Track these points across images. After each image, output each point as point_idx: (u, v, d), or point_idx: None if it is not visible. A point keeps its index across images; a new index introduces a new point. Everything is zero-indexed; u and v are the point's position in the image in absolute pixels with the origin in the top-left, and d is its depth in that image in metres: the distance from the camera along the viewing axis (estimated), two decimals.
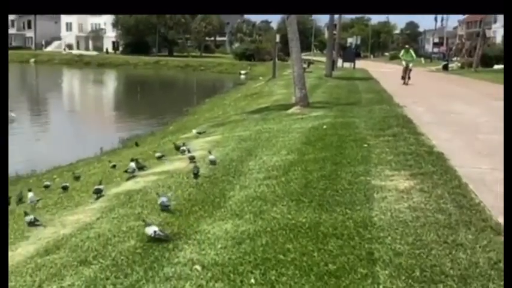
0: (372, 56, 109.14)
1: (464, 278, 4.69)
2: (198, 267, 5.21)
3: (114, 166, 12.05)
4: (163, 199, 7.33)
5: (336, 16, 43.31)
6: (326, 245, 5.52)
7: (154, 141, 18.12)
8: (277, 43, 45.70)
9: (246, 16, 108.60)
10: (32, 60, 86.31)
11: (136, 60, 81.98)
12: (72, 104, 43.96)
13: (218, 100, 34.93)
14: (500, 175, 7.37)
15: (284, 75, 41.43)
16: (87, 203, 8.47)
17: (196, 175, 9.15)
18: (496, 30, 69.90)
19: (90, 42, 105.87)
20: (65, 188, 10.21)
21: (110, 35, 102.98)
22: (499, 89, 20.73)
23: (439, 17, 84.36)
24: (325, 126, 13.70)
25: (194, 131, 15.22)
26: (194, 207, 7.31)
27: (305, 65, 30.41)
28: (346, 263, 5.08)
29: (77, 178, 11.57)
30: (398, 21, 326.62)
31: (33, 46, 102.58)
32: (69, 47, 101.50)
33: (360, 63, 54.06)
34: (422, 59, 74.62)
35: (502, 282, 4.51)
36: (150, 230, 6.13)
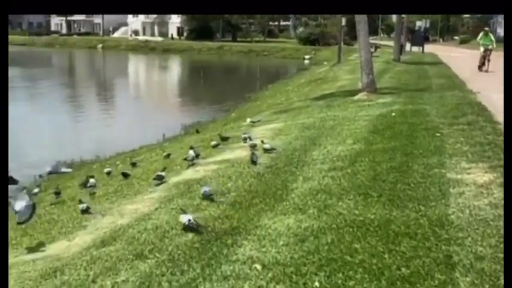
0: (441, 40, 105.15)
1: None
2: (258, 266, 4.86)
3: (168, 155, 11.93)
4: (206, 189, 7.15)
5: None
6: (398, 245, 5.04)
7: (215, 128, 17.92)
8: (343, 27, 44.57)
9: None
10: (100, 46, 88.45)
11: (200, 46, 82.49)
12: (137, 90, 44.67)
13: (281, 86, 34.44)
14: None
15: (350, 60, 40.42)
16: (146, 191, 8.29)
17: (254, 163, 8.83)
18: None
19: (156, 28, 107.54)
20: (125, 175, 10.13)
21: (175, 21, 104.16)
22: None
23: None
24: (394, 114, 13.02)
25: (248, 120, 14.85)
26: (255, 200, 6.96)
27: (372, 49, 29.35)
28: (421, 267, 4.59)
29: (134, 164, 11.50)
30: None
31: (101, 32, 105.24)
32: (136, 33, 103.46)
33: (428, 48, 52.01)
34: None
35: None
36: (185, 219, 5.93)
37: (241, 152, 10.19)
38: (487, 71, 27.01)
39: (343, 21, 43.77)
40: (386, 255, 4.82)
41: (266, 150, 9.58)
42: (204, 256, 5.20)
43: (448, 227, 5.40)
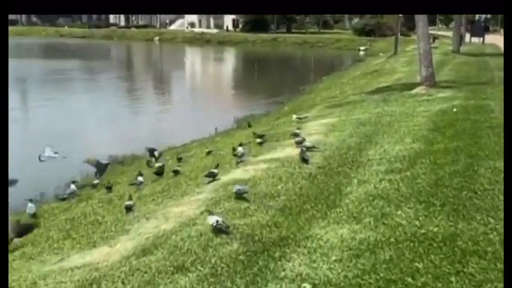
0: (501, 30, 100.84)
1: None
2: (307, 286, 4.42)
3: (209, 152, 11.66)
4: (239, 187, 6.96)
5: None
6: (465, 266, 4.49)
7: (267, 122, 17.52)
8: (400, 17, 43.17)
9: None
10: (157, 38, 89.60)
11: (254, 38, 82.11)
12: (193, 82, 44.80)
13: (336, 78, 33.66)
14: None
15: (407, 52, 39.10)
16: (193, 192, 7.98)
17: (305, 161, 8.40)
18: None
19: (212, 21, 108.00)
20: (176, 172, 9.91)
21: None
22: None
23: None
24: (455, 110, 12.24)
25: (294, 116, 14.31)
26: (306, 205, 6.51)
27: (430, 40, 28.12)
28: None
29: (180, 160, 11.23)
30: None
31: (158, 25, 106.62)
32: (192, 25, 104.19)
33: (489, 38, 49.80)
34: None
35: None
36: (212, 219, 5.72)
37: (292, 150, 9.73)
38: None
39: None
40: (452, 278, 4.29)
41: (307, 149, 9.08)
42: (249, 271, 4.80)
43: None
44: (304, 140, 9.72)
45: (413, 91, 16.71)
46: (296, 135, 10.90)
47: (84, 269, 5.51)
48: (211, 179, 8.40)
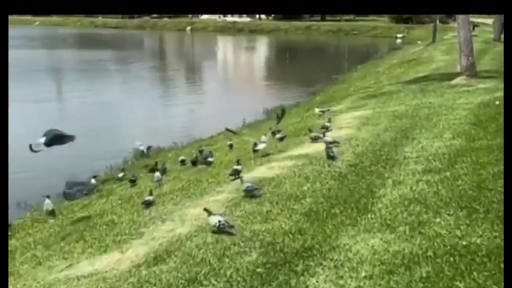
0: None
1: None
2: None
3: (231, 146, 11.25)
4: (248, 185, 6.55)
5: None
6: None
7: (298, 113, 16.91)
8: None
9: None
10: (189, 28, 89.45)
11: (287, 26, 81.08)
12: (224, 72, 44.39)
13: (371, 67, 32.71)
14: None
15: (445, 40, 37.78)
16: (213, 191, 7.48)
17: (331, 158, 7.82)
18: None
19: None
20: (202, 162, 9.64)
21: None
22: None
23: None
24: (497, 102, 11.40)
25: (317, 110, 13.66)
26: (334, 209, 5.93)
27: (470, 28, 26.93)
28: None
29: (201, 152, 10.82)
30: None
31: (190, 14, 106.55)
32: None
33: None
34: None
35: None
36: (214, 220, 5.44)
37: (321, 145, 9.13)
38: None
39: None
40: None
41: (328, 144, 8.44)
42: (268, 287, 4.27)
43: None
44: (323, 135, 9.07)
45: (453, 81, 15.86)
46: (326, 128, 10.30)
47: (91, 279, 5.08)
48: (235, 176, 7.88)
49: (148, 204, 7.43)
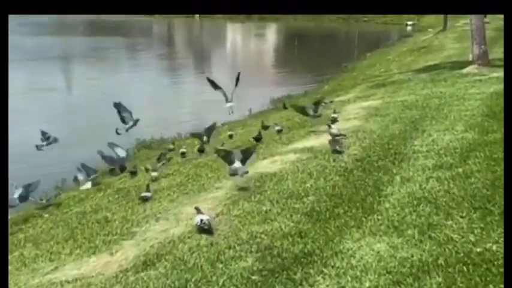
0: None
1: None
2: None
3: (231, 136, 11.22)
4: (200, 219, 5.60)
5: None
6: None
7: (304, 102, 16.46)
8: None
9: None
10: (197, 14, 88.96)
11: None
12: (233, 60, 43.88)
13: (381, 55, 32.06)
14: None
15: (457, 27, 36.97)
16: (212, 187, 7.11)
17: (336, 152, 7.45)
18: None
19: None
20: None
21: None
22: None
23: None
24: None
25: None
26: (338, 209, 5.56)
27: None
28: None
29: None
30: None
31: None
32: None
33: None
34: None
35: None
36: (197, 219, 5.30)
37: (327, 138, 8.73)
38: None
39: None
40: None
41: (333, 137, 8.04)
42: None
43: None
44: (329, 127, 8.66)
45: (465, 70, 15.35)
46: (333, 120, 9.89)
47: (75, 284, 4.74)
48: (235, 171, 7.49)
49: (145, 200, 7.11)
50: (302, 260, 4.47)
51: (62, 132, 12.96)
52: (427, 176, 6.25)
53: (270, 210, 5.73)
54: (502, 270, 3.93)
